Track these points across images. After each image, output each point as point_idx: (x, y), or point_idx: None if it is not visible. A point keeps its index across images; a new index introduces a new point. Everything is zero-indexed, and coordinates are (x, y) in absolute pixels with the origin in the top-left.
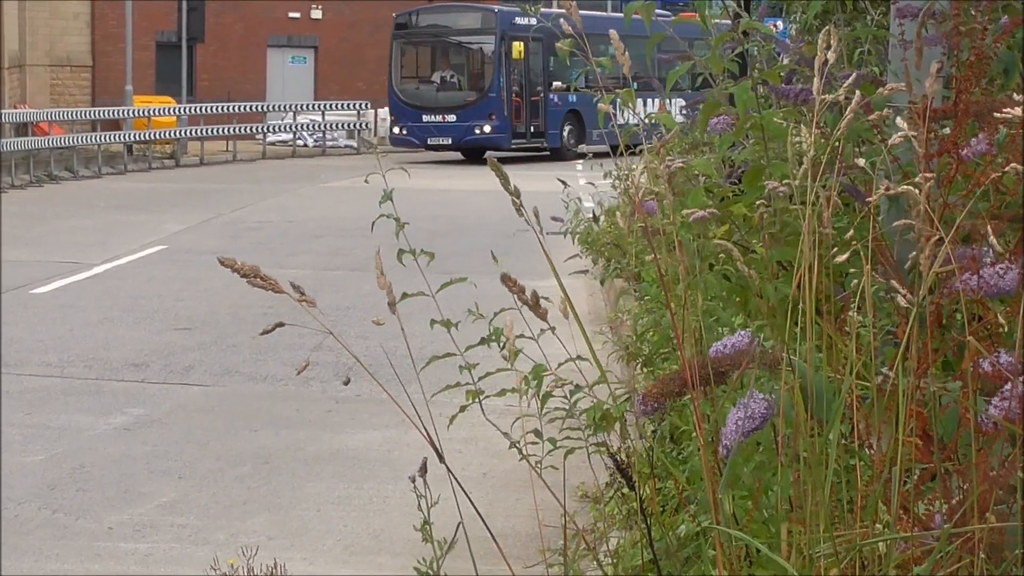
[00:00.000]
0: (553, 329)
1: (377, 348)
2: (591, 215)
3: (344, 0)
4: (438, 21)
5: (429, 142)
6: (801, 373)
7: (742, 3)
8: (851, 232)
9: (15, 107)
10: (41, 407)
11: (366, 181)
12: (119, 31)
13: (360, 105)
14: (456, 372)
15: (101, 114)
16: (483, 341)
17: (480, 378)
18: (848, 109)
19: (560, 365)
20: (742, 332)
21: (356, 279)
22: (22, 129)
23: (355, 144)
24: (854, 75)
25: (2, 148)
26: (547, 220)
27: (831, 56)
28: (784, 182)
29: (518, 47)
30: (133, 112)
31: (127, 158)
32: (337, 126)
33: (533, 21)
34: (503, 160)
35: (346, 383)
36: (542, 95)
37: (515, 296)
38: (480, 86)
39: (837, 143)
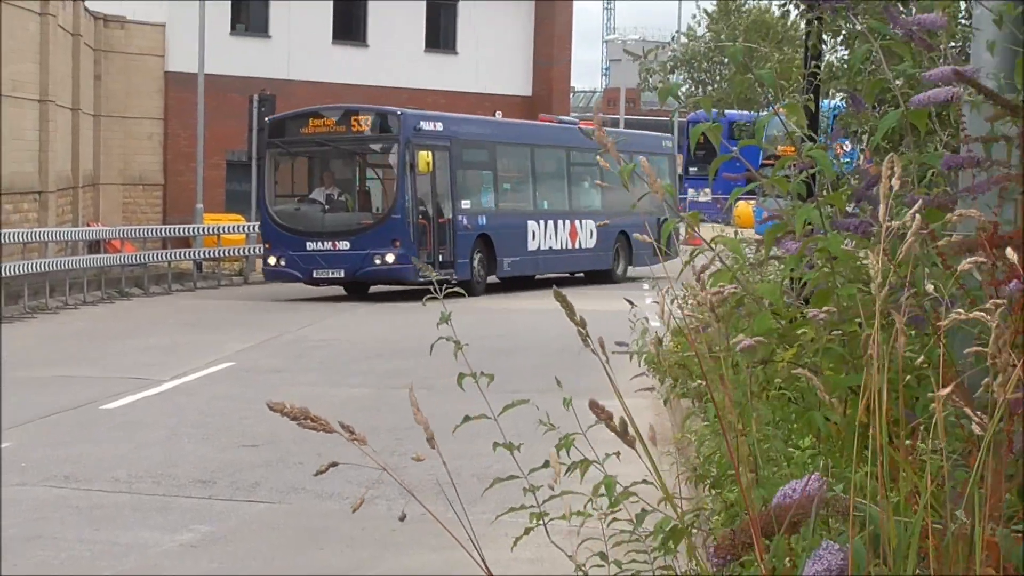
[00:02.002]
0: (618, 454)
1: (442, 467)
2: (655, 336)
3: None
4: (325, 126)
5: (315, 275)
6: (872, 518)
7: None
8: (921, 358)
9: (88, 225)
10: (109, 523)
11: (424, 304)
12: (190, 151)
13: None
14: (521, 492)
15: (172, 232)
16: (546, 464)
17: (545, 500)
18: (910, 233)
19: (626, 488)
20: (812, 476)
21: (418, 398)
22: (95, 247)
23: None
24: (920, 201)
25: (74, 265)
26: (610, 343)
27: (895, 183)
28: (848, 306)
29: (425, 157)
30: (203, 230)
31: (196, 275)
32: None
33: (439, 126)
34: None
35: (402, 519)
36: (451, 217)
37: (602, 420)
38: (380, 206)
39: (902, 269)
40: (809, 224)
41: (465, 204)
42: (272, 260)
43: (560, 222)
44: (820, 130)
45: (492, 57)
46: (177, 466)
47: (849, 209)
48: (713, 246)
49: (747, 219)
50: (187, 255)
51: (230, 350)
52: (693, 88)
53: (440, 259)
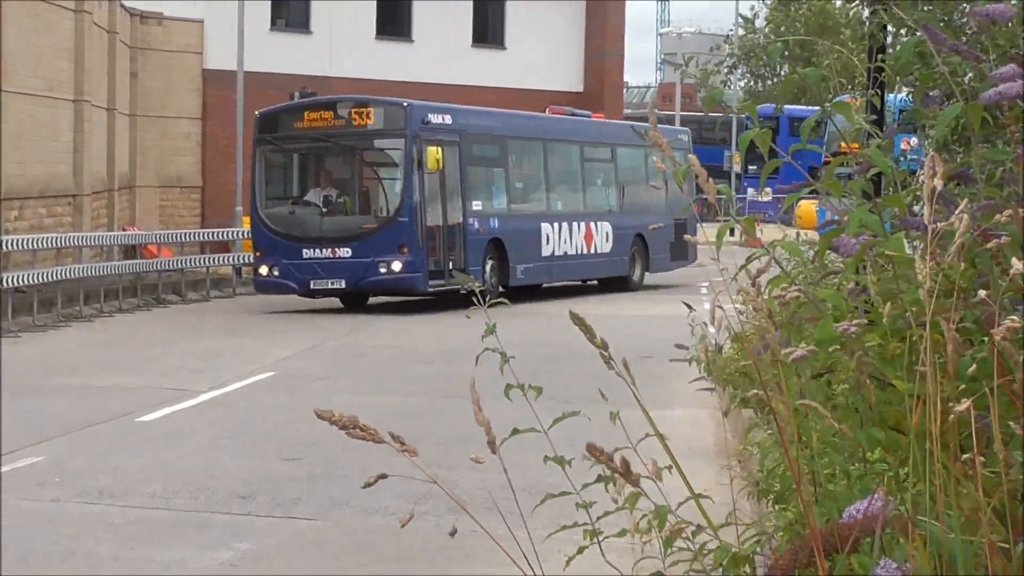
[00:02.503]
0: (670, 468)
1: (494, 480)
2: (714, 344)
3: None
4: (322, 119)
5: (313, 286)
6: (934, 537)
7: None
8: (973, 367)
9: (124, 229)
10: (145, 540)
11: (467, 316)
12: (229, 151)
13: None
14: (573, 508)
15: (210, 236)
16: (599, 479)
17: (599, 517)
18: (957, 235)
19: (680, 505)
20: (877, 495)
21: (470, 407)
22: (130, 252)
23: None
24: (964, 201)
25: (109, 271)
26: (672, 348)
27: (938, 183)
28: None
29: (434, 153)
30: (242, 234)
31: (236, 281)
32: None
33: (448, 119)
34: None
35: (452, 535)
36: (462, 219)
37: (601, 463)
38: (385, 208)
39: (954, 272)
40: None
41: (476, 205)
42: (264, 269)
43: (575, 224)
44: (885, 126)
45: (542, 51)
46: (216, 480)
47: (916, 209)
48: (770, 249)
49: (810, 219)
50: (226, 260)
51: (271, 358)
52: (752, 82)
53: (450, 266)
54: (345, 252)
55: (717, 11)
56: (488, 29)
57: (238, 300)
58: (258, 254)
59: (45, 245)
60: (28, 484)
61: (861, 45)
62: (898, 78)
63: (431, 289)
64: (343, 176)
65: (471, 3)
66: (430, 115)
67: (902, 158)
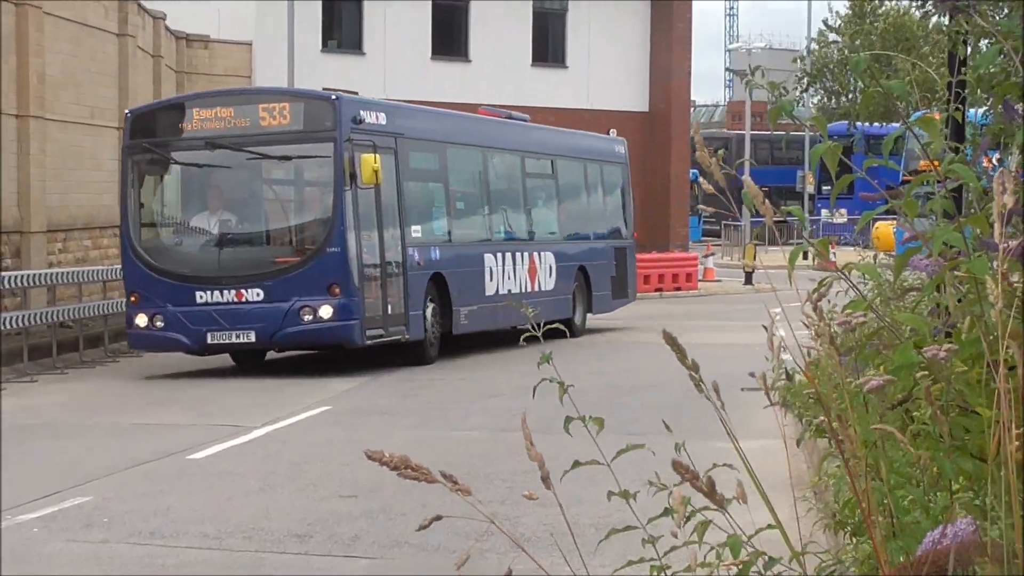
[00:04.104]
0: (740, 499)
1: (557, 515)
2: (784, 371)
3: None
4: (218, 119)
5: (211, 340)
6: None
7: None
8: None
9: None
10: None
11: (522, 343)
12: None
13: None
14: (639, 543)
15: None
16: (666, 512)
17: (665, 553)
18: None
19: (751, 537)
20: (963, 520)
21: (535, 442)
22: None
23: None
24: None
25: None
26: (745, 376)
27: (1008, 201)
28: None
29: (371, 163)
30: None
31: None
32: None
33: (382, 118)
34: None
35: None
36: (401, 249)
37: (687, 480)
38: (309, 236)
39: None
40: (952, 247)
41: (415, 232)
42: (141, 320)
43: (519, 255)
44: (967, 142)
45: (605, 70)
46: (271, 519)
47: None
48: (845, 272)
49: (888, 241)
50: None
51: (329, 391)
52: (825, 99)
53: (389, 311)
54: (255, 295)
55: (788, 26)
56: (548, 47)
57: None
58: (133, 299)
59: (92, 278)
60: (75, 525)
61: (940, 60)
62: (978, 93)
63: (369, 342)
64: (248, 194)
65: (530, 21)
66: (363, 112)
67: (983, 176)
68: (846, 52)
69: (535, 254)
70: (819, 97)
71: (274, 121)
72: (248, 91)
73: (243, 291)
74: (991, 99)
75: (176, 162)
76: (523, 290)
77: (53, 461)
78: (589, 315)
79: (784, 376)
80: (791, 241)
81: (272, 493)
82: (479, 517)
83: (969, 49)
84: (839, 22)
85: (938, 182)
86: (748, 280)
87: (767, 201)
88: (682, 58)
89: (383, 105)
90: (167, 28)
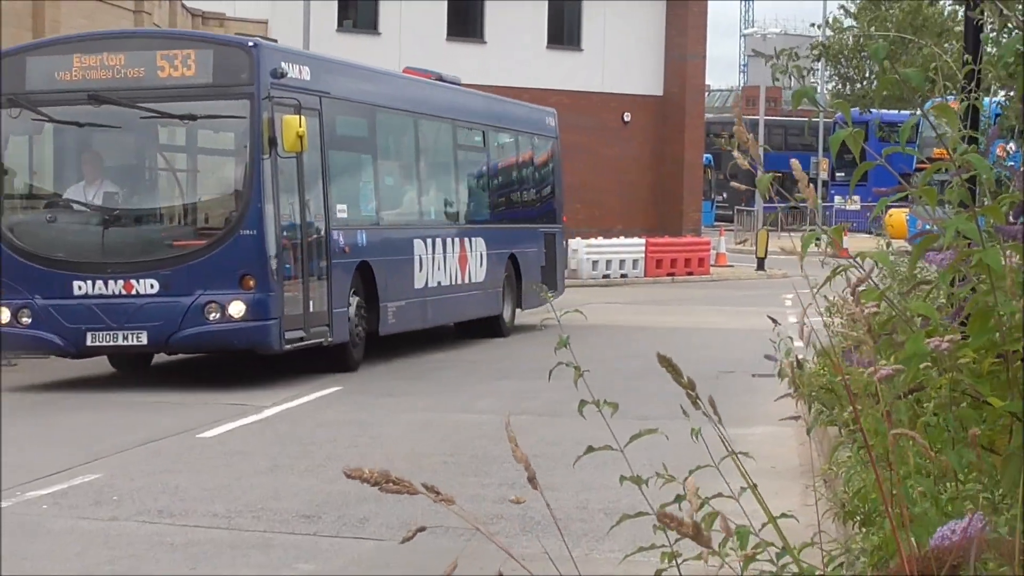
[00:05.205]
0: (755, 487)
1: (569, 500)
2: (795, 359)
3: None
4: (105, 67)
5: (91, 342)
6: None
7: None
8: None
9: None
10: (207, 561)
11: (540, 327)
12: None
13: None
14: (650, 529)
15: None
16: (678, 499)
17: (677, 539)
18: None
19: (764, 526)
20: (974, 516)
21: (543, 425)
22: None
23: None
24: None
25: None
26: (761, 361)
27: None
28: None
29: (294, 125)
30: None
31: None
32: None
33: (306, 73)
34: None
35: None
36: (324, 233)
37: (672, 528)
38: (217, 213)
39: None
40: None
41: (341, 211)
42: (3, 315)
43: (449, 242)
44: (981, 130)
45: (620, 53)
46: (280, 499)
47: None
48: (859, 260)
49: (900, 229)
50: None
51: (339, 372)
52: (840, 85)
53: (311, 307)
54: (149, 286)
55: (804, 11)
56: (564, 30)
57: None
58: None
59: None
60: (85, 503)
61: (957, 48)
62: (996, 82)
63: (288, 347)
64: (140, 161)
65: (546, 3)
66: (284, 64)
67: (997, 164)
68: (861, 39)
69: (466, 240)
70: (833, 84)
71: (176, 72)
72: (144, 33)
73: (133, 282)
74: (1007, 89)
75: (50, 119)
76: (453, 282)
77: (62, 438)
78: (518, 311)
79: (788, 364)
80: (803, 228)
81: (281, 473)
82: (473, 519)
83: (988, 35)
84: (855, 7)
85: (953, 171)
86: (760, 266)
87: (811, 184)
88: (697, 42)
89: (307, 56)
90: (183, 6)
